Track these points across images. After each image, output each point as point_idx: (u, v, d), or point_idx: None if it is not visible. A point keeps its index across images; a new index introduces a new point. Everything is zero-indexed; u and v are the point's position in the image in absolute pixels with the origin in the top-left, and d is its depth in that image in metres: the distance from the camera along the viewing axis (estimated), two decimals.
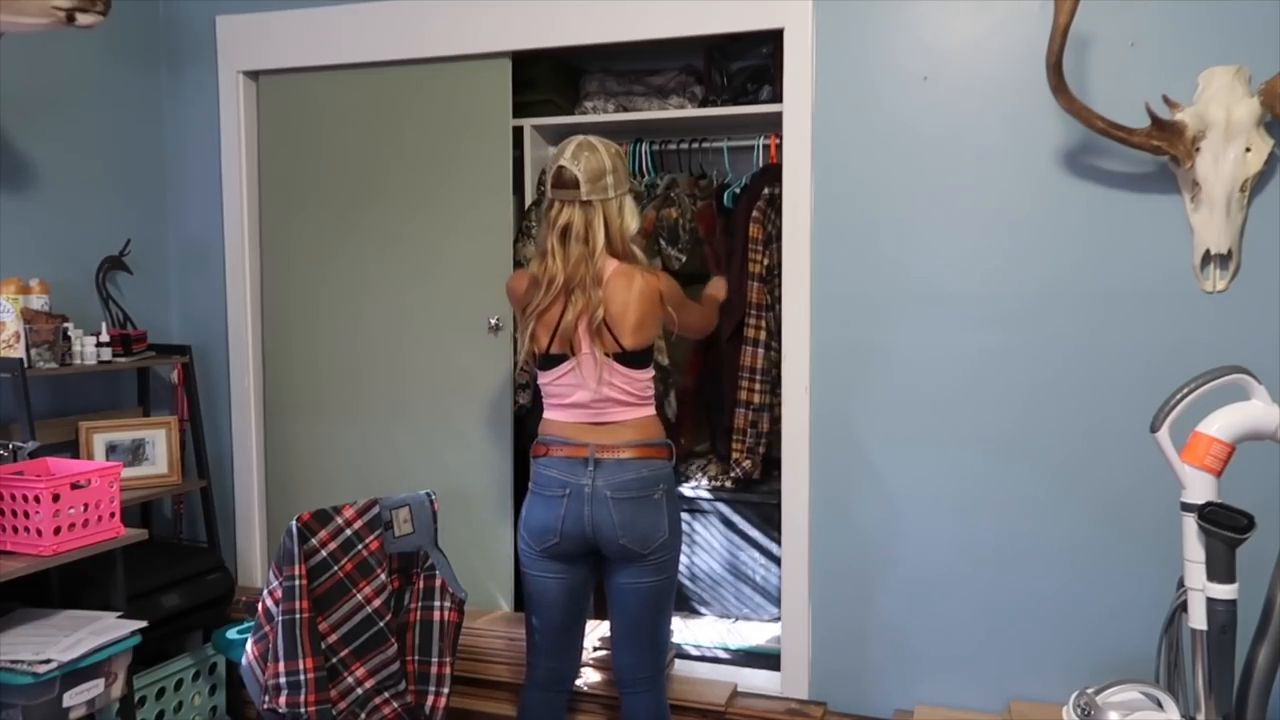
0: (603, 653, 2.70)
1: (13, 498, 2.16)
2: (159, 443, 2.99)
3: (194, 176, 3.26)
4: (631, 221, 2.24)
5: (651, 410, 2.29)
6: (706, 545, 3.12)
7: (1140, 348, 2.36)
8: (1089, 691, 1.80)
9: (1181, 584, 1.77)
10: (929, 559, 2.55)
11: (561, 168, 2.17)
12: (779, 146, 2.73)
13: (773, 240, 2.79)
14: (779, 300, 2.75)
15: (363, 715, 2.27)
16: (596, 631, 2.74)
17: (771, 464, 2.89)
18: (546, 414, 2.31)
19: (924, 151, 2.50)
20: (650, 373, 2.28)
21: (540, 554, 2.27)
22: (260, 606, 2.22)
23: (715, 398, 3.02)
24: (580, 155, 2.16)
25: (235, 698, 2.94)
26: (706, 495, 3.06)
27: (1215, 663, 1.70)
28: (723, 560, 3.15)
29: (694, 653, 2.91)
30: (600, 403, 2.23)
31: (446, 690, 2.36)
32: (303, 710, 2.15)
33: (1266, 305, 2.27)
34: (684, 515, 2.65)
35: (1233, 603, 1.69)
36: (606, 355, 2.19)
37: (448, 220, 3.00)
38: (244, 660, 2.24)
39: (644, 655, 2.31)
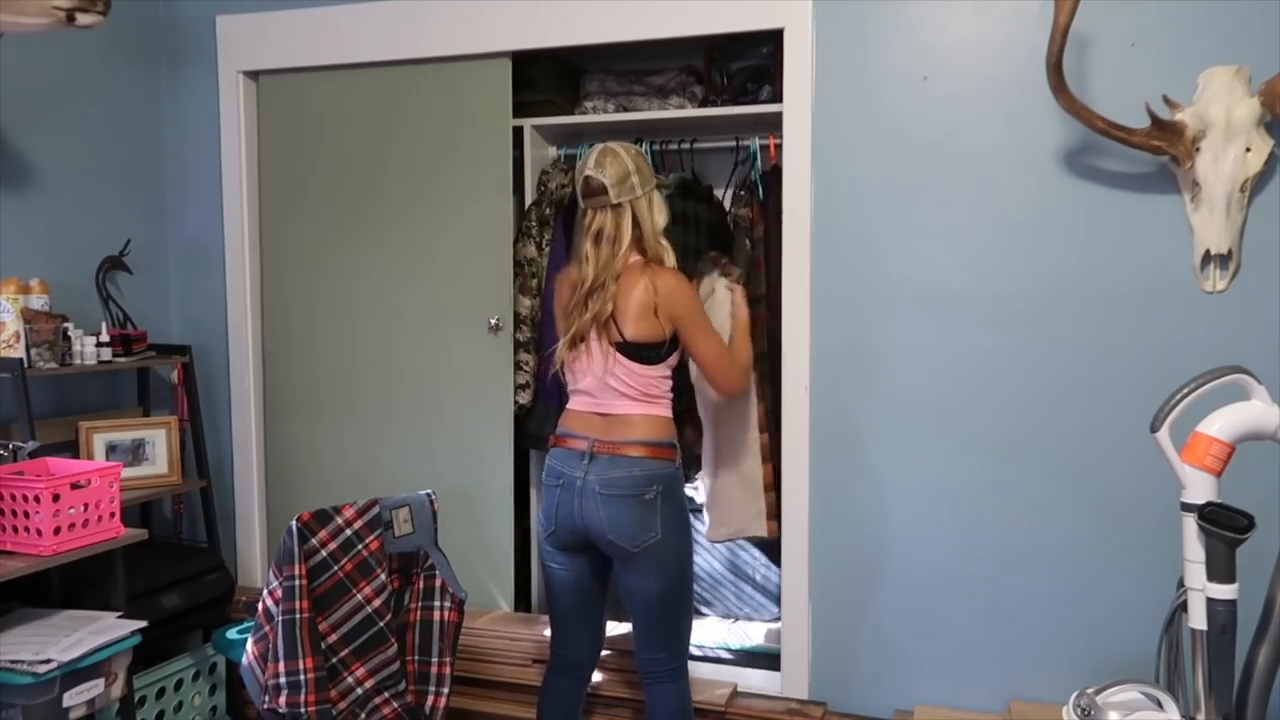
0: (605, 652, 2.69)
1: (13, 498, 2.16)
2: (159, 443, 2.99)
3: (194, 176, 3.26)
4: (660, 217, 2.30)
5: (660, 410, 2.29)
6: (708, 544, 3.12)
7: (1140, 348, 2.36)
8: (1089, 691, 1.80)
9: (1181, 584, 1.77)
10: (929, 559, 2.55)
11: (588, 177, 2.25)
12: (779, 146, 2.73)
13: None
14: None
15: (363, 715, 2.27)
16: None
17: None
18: (568, 404, 2.38)
19: (924, 152, 2.50)
20: (660, 371, 2.28)
21: (546, 541, 2.35)
22: (260, 606, 2.22)
23: None
24: (604, 162, 2.24)
25: (235, 698, 2.94)
26: None
27: (1215, 663, 1.70)
28: (723, 559, 3.15)
29: (695, 653, 2.90)
30: (604, 390, 2.27)
31: (446, 690, 2.36)
32: (303, 710, 2.15)
33: (1266, 305, 2.27)
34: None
35: (1233, 603, 1.69)
36: (609, 345, 2.24)
37: (448, 220, 3.00)
38: (244, 660, 2.25)
39: (659, 653, 2.32)
